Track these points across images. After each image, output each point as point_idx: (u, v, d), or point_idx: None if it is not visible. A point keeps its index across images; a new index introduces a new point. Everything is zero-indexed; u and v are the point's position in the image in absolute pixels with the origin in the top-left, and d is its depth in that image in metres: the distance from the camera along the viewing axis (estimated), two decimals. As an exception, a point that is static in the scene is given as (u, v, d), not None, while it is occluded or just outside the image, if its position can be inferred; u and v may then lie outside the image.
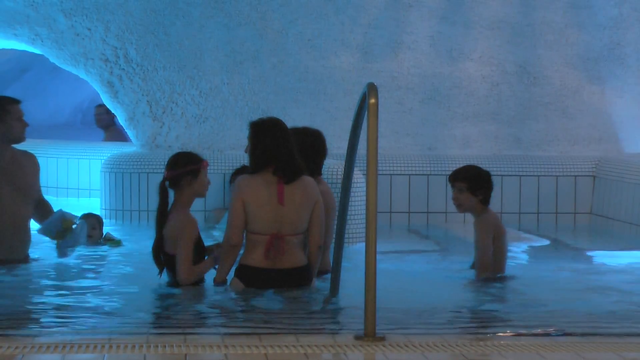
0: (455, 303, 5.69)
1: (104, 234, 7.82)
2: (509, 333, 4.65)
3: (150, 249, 5.90)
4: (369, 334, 4.31)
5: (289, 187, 5.64)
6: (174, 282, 5.79)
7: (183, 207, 5.78)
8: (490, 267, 6.07)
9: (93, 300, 5.54)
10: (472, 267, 6.25)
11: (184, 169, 5.78)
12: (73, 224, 6.55)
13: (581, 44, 9.76)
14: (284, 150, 5.65)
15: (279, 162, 5.63)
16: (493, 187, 6.19)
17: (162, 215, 5.81)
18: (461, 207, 6.08)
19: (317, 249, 5.70)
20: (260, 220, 5.63)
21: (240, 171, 8.63)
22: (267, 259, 5.63)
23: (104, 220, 8.15)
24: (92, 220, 7.62)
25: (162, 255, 5.81)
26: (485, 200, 6.10)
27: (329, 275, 5.73)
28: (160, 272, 5.84)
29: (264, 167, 5.65)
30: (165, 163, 5.90)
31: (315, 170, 6.11)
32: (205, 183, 5.76)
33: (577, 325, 4.91)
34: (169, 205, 5.82)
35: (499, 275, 6.09)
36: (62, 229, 6.54)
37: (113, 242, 7.73)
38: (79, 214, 7.33)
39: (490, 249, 6.07)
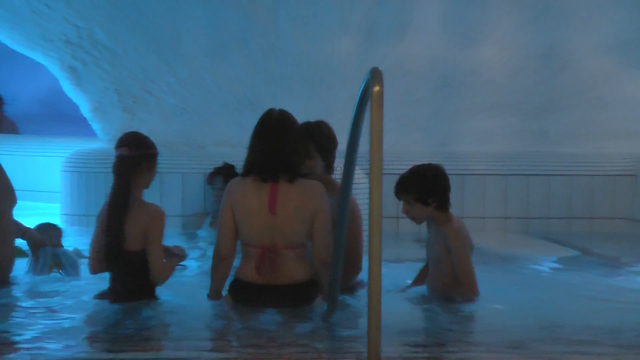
0: (467, 321, 5.74)
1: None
2: (526, 354, 4.73)
3: None
4: (373, 357, 4.32)
5: (284, 193, 5.54)
6: (133, 285, 5.65)
7: (139, 196, 5.71)
8: (476, 286, 5.91)
9: (59, 319, 5.41)
10: (431, 286, 6.09)
11: (148, 151, 5.73)
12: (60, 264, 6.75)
13: (617, 24, 9.72)
14: (276, 151, 5.58)
15: (268, 162, 5.56)
16: (448, 185, 5.94)
17: (125, 204, 5.63)
18: (416, 219, 5.97)
19: (321, 265, 5.56)
20: (250, 230, 5.59)
21: (221, 170, 8.79)
22: (259, 274, 5.53)
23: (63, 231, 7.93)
24: (50, 229, 7.45)
25: (121, 254, 5.70)
26: (442, 205, 5.88)
27: (362, 291, 5.92)
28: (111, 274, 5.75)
29: (255, 169, 5.60)
30: (118, 141, 5.78)
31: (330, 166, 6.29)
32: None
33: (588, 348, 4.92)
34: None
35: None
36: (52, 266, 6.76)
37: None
38: (36, 224, 7.35)
39: (472, 263, 5.96)
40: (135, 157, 5.67)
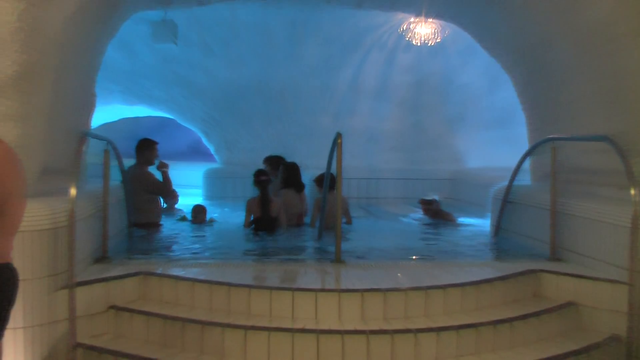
0: (404, 244, 7.85)
1: (208, 217, 10.36)
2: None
3: (238, 220, 9.37)
4: (337, 260, 6.44)
5: (301, 195, 9.84)
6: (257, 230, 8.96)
7: (274, 194, 8.75)
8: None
9: (206, 241, 7.55)
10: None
11: (277, 169, 9.13)
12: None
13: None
14: (297, 178, 9.97)
15: (297, 184, 9.94)
16: (290, 172, 8.33)
17: (268, 200, 8.96)
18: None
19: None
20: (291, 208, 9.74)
21: (268, 159, 12.09)
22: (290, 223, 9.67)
23: (207, 207, 10.89)
24: (199, 207, 10.45)
25: (270, 219, 8.82)
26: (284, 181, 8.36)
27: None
28: (249, 225, 8.99)
29: (291, 185, 9.86)
30: (254, 173, 9.14)
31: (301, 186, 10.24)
32: None
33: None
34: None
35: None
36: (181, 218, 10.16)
37: (213, 221, 10.27)
38: (192, 204, 10.80)
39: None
40: (269, 179, 8.81)
